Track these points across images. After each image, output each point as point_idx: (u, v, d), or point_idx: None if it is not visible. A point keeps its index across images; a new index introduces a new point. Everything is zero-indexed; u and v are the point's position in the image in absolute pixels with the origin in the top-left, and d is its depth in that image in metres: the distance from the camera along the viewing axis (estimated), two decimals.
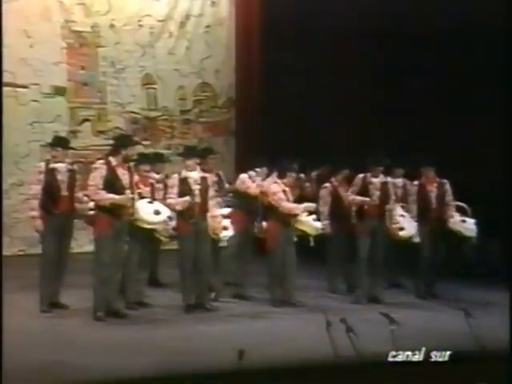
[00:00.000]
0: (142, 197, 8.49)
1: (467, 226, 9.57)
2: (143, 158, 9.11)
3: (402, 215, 9.46)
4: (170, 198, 8.44)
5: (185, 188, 8.41)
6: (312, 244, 9.15)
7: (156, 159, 9.73)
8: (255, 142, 13.56)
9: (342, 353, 5.48)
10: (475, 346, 6.11)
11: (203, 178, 8.56)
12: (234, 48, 14.57)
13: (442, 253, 9.59)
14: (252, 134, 13.89)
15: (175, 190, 8.41)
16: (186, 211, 8.40)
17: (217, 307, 8.65)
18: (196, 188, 8.44)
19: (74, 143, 10.45)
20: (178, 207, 8.40)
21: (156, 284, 9.85)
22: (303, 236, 9.19)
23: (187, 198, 8.36)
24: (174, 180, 8.50)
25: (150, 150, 12.10)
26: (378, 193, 9.21)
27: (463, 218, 9.61)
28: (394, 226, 9.27)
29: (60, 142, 8.62)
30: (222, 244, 8.95)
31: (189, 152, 8.78)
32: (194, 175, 8.50)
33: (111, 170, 7.99)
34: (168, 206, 8.45)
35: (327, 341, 5.53)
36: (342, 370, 5.64)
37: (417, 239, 9.45)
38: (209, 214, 8.52)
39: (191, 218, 8.42)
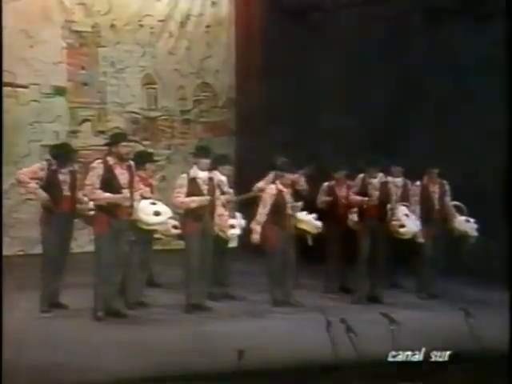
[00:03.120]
0: (145, 197, 8.49)
1: (472, 225, 9.57)
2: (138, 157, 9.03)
3: (406, 214, 9.42)
4: (178, 196, 8.41)
5: (194, 188, 8.43)
6: (310, 243, 9.15)
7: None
8: (255, 141, 13.55)
9: (341, 353, 5.48)
10: (475, 346, 6.11)
11: (210, 178, 8.57)
12: (234, 48, 14.57)
13: (442, 253, 9.59)
14: (252, 134, 13.89)
15: (184, 190, 8.40)
16: (195, 211, 8.40)
17: (216, 307, 8.66)
18: (204, 188, 8.45)
19: (74, 143, 10.45)
20: (193, 204, 8.37)
21: (152, 284, 9.81)
22: (302, 235, 9.20)
23: (206, 197, 8.36)
24: (183, 180, 8.50)
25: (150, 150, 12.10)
26: (377, 193, 9.22)
27: (467, 218, 9.60)
28: (394, 222, 9.26)
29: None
30: (230, 243, 8.94)
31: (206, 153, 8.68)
32: (203, 175, 8.50)
33: (108, 170, 7.99)
34: (180, 204, 8.42)
35: (327, 341, 5.52)
36: (342, 370, 5.64)
37: (419, 239, 9.44)
38: (216, 213, 8.55)
39: (201, 218, 8.43)
